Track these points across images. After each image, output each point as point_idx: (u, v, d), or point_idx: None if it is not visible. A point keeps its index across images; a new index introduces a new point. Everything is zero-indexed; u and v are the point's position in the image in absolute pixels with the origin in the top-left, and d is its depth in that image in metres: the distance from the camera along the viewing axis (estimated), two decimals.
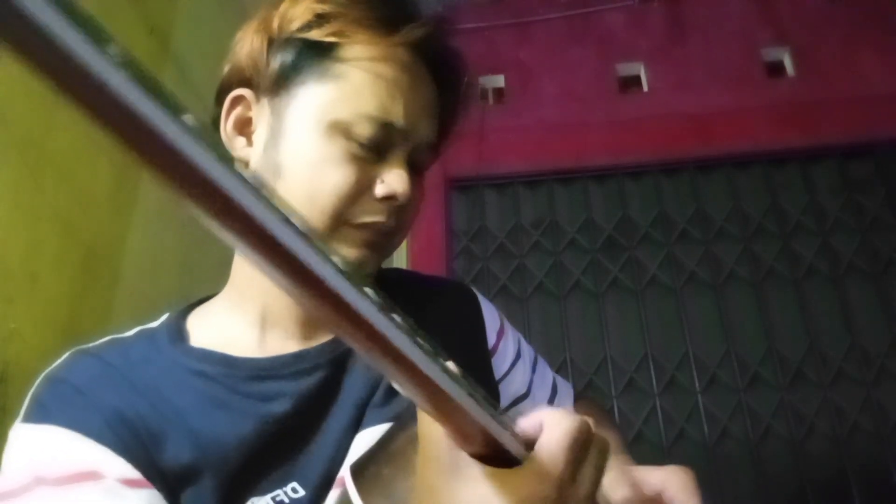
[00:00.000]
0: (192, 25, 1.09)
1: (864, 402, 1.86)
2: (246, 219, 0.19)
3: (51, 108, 0.74)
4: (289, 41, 0.52)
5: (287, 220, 0.20)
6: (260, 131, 0.54)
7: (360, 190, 0.51)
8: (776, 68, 2.28)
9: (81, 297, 0.76)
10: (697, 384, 1.93)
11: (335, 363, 0.53)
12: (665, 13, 2.36)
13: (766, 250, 2.05)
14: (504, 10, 2.37)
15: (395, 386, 0.28)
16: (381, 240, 0.53)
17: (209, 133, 0.18)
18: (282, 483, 0.47)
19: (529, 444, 0.33)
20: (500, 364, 0.69)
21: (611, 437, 0.68)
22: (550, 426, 0.33)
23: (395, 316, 0.24)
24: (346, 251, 0.52)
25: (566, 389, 0.78)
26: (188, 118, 0.18)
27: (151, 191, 0.94)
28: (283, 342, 0.53)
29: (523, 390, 0.71)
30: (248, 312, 0.54)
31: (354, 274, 0.22)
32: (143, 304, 0.91)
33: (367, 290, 0.23)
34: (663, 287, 2.06)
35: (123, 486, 0.41)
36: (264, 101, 0.54)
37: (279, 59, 0.52)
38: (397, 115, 0.51)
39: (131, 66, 0.16)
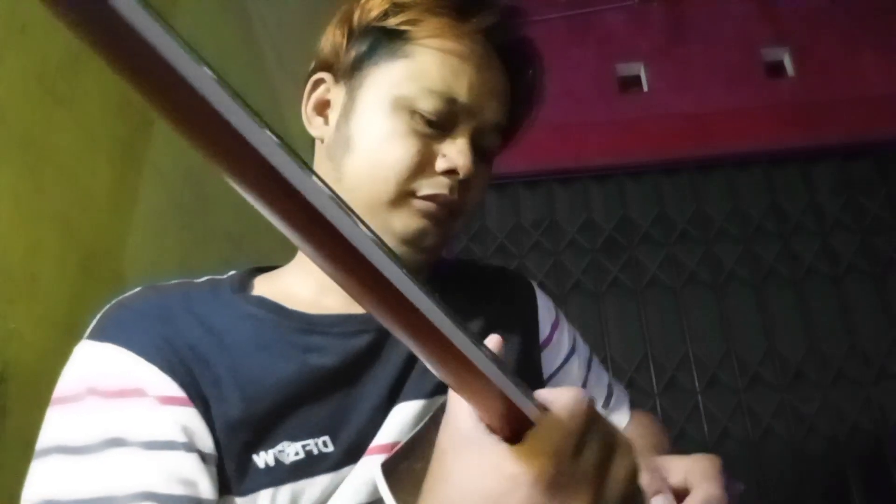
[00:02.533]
0: (192, 25, 1.09)
1: (864, 402, 1.86)
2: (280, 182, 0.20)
3: (51, 108, 0.74)
4: (367, 30, 0.56)
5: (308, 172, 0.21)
6: (335, 111, 0.57)
7: (423, 163, 0.53)
8: (776, 68, 2.28)
9: (81, 297, 0.76)
10: (697, 384, 1.93)
11: (380, 331, 0.55)
12: (665, 13, 2.36)
13: (766, 250, 2.05)
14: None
15: (416, 353, 0.28)
16: (443, 214, 0.55)
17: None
18: (314, 434, 0.48)
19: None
20: (553, 356, 0.70)
21: (657, 443, 0.68)
22: (554, 402, 0.33)
23: (416, 280, 0.24)
24: (409, 221, 0.54)
25: (622, 395, 0.77)
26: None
27: (151, 191, 0.94)
28: (335, 305, 0.56)
29: (578, 386, 0.71)
30: (309, 276, 0.57)
31: (383, 243, 0.23)
32: None
33: (396, 255, 0.24)
34: (663, 287, 2.06)
35: (164, 403, 0.45)
36: (341, 84, 0.57)
37: (357, 47, 0.56)
38: (461, 90, 0.53)
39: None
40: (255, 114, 0.19)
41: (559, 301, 0.77)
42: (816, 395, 1.88)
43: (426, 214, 0.54)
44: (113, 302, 0.51)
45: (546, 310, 0.71)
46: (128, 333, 0.47)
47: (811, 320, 1.96)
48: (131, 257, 0.88)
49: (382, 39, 0.55)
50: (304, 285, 0.57)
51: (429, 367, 0.29)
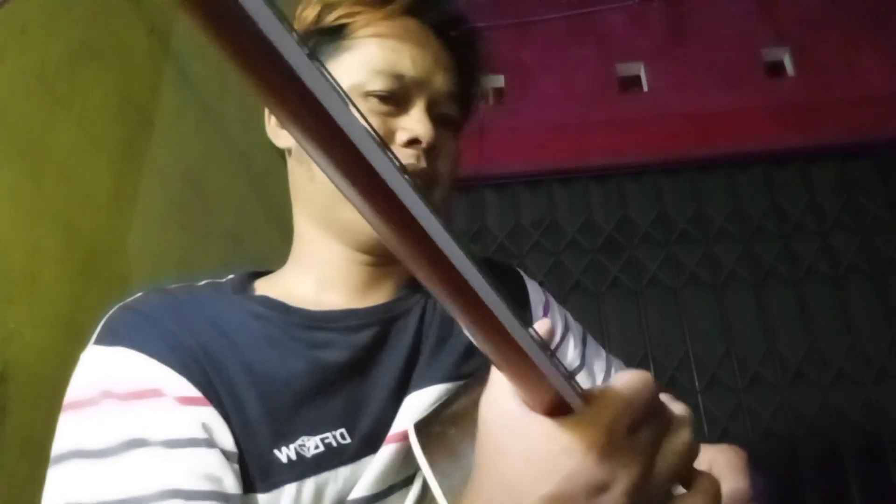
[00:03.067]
0: (192, 26, 1.09)
1: (864, 402, 1.86)
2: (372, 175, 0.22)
3: (51, 107, 0.74)
4: (307, 37, 0.58)
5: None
6: None
7: (385, 140, 0.53)
8: (776, 68, 2.28)
9: (81, 297, 0.76)
10: (697, 384, 1.93)
11: (383, 324, 0.56)
12: (665, 13, 2.36)
13: (766, 250, 2.05)
14: (504, 10, 2.36)
15: (473, 339, 0.29)
16: (421, 185, 0.55)
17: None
18: (332, 427, 0.49)
19: None
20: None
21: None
22: (616, 379, 0.34)
23: (485, 272, 0.26)
24: None
25: (621, 366, 0.79)
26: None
27: (151, 191, 0.94)
28: (336, 301, 0.58)
29: (578, 361, 0.73)
30: (307, 274, 0.59)
31: (460, 235, 0.25)
32: None
33: (468, 244, 0.25)
34: (663, 287, 2.06)
35: (182, 403, 0.45)
36: None
37: None
38: (405, 66, 0.56)
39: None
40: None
41: (559, 301, 0.78)
42: (816, 395, 1.88)
43: None
44: (117, 306, 0.52)
45: (535, 293, 0.73)
46: (139, 336, 0.48)
47: (811, 320, 1.96)
48: (131, 257, 0.88)
49: (322, 41, 0.58)
50: (304, 284, 0.59)
51: (477, 345, 0.30)
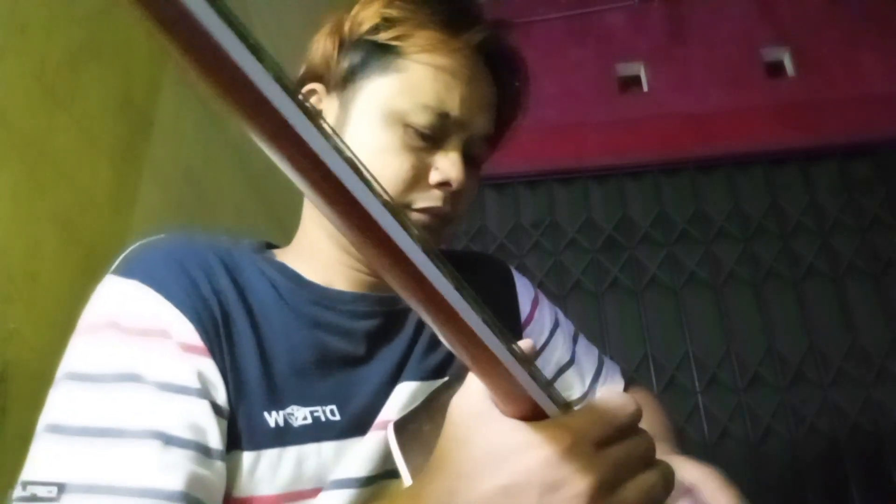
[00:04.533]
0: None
1: (864, 402, 1.86)
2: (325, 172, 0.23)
3: (51, 108, 0.74)
4: (358, 42, 0.57)
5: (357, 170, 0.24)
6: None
7: (417, 177, 0.54)
8: (776, 68, 2.28)
9: (81, 297, 0.76)
10: (697, 384, 1.93)
11: (388, 315, 0.57)
12: (665, 13, 2.36)
13: (766, 250, 2.05)
14: (504, 10, 2.36)
15: (445, 342, 0.30)
16: (439, 224, 0.56)
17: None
18: (322, 402, 0.50)
19: None
20: (537, 332, 0.71)
21: (657, 425, 0.68)
22: (599, 396, 0.34)
23: (451, 274, 0.26)
24: None
25: (613, 367, 0.78)
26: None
27: (151, 191, 0.94)
28: (344, 286, 0.58)
29: (567, 357, 0.73)
30: (314, 258, 0.59)
31: (423, 237, 0.25)
32: None
33: (434, 250, 0.26)
34: (663, 287, 2.06)
35: (185, 350, 0.45)
36: (333, 95, 0.58)
37: (348, 59, 0.57)
38: (453, 105, 0.55)
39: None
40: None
41: (559, 301, 0.78)
42: (816, 395, 1.88)
43: (423, 227, 0.55)
44: (139, 242, 0.52)
45: (524, 288, 0.73)
46: (156, 273, 0.48)
47: (811, 320, 1.96)
48: None
49: (375, 53, 0.56)
50: (311, 266, 0.58)
51: (458, 356, 0.30)
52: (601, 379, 0.75)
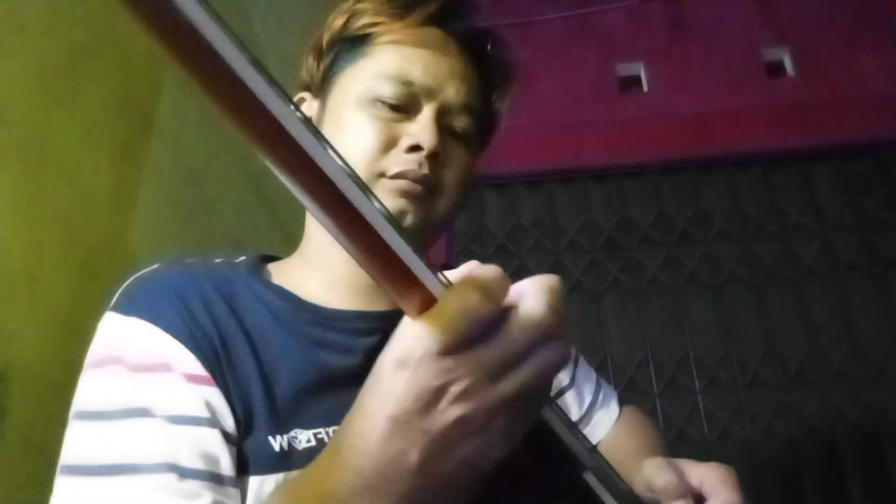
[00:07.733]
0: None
1: (863, 402, 1.86)
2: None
3: (51, 108, 0.74)
4: (332, 44, 0.61)
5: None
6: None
7: (387, 143, 0.55)
8: (776, 68, 2.28)
9: (81, 297, 0.76)
10: (697, 384, 1.93)
11: (390, 331, 0.54)
12: (665, 13, 2.36)
13: (766, 250, 2.05)
14: (504, 10, 2.36)
15: (311, 211, 0.30)
16: (418, 190, 0.55)
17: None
18: (325, 423, 0.50)
19: None
20: None
21: (647, 441, 0.68)
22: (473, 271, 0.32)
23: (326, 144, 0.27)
24: (386, 202, 0.54)
25: (610, 391, 0.78)
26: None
27: (151, 191, 0.94)
28: (342, 304, 0.58)
29: (566, 381, 0.72)
30: (315, 274, 0.59)
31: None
32: None
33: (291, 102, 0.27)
34: (663, 287, 2.06)
35: (189, 381, 0.46)
36: (318, 98, 0.62)
37: (325, 61, 0.61)
38: (416, 72, 0.56)
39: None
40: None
41: None
42: (816, 395, 1.88)
43: (400, 192, 0.55)
44: (136, 275, 0.53)
45: None
46: (155, 308, 0.49)
47: (811, 320, 1.96)
48: (131, 257, 0.88)
49: (345, 48, 0.60)
50: (312, 282, 0.59)
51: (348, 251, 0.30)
52: (598, 405, 0.74)
